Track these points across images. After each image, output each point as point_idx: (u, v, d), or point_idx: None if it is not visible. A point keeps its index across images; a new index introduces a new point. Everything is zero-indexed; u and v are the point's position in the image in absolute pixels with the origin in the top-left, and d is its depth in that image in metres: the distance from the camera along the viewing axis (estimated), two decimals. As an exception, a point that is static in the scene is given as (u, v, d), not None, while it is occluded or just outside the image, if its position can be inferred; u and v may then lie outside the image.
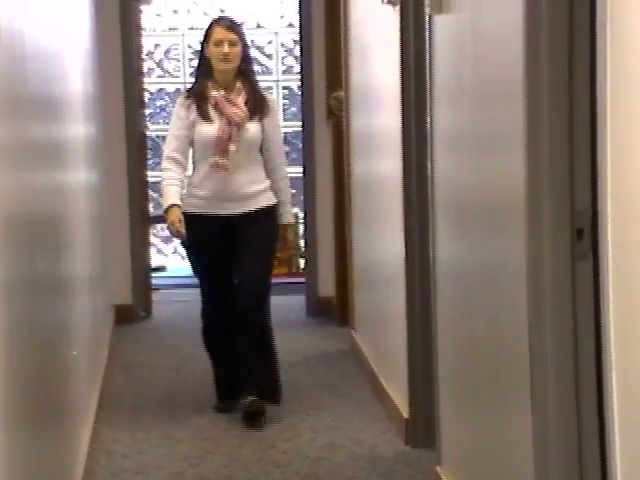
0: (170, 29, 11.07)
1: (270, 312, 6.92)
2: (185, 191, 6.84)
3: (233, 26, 6.54)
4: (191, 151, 7.02)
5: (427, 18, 6.02)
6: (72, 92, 7.00)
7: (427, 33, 6.04)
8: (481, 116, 5.09)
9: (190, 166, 7.13)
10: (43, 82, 5.43)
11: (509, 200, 4.55)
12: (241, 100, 6.58)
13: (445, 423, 5.98)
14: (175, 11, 10.97)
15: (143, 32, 10.62)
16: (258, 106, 6.63)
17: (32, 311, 4.54)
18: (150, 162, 10.61)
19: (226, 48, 6.41)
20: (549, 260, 4.27)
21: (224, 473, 6.09)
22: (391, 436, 7.04)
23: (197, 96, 6.63)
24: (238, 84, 6.58)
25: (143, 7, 10.52)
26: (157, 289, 10.52)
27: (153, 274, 10.70)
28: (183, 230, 6.57)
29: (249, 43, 6.80)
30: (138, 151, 10.48)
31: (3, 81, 3.94)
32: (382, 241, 7.80)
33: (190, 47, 11.06)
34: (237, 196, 6.63)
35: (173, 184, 6.69)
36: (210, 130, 6.56)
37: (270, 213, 6.83)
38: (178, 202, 6.64)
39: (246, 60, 6.64)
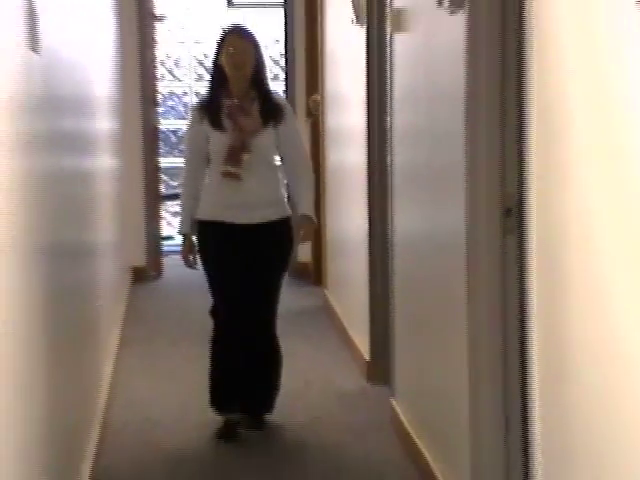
0: (179, 42, 11.01)
1: (276, 327, 5.77)
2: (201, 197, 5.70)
3: (246, 34, 5.57)
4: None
5: (388, 36, 6.00)
6: (98, 93, 6.99)
7: (388, 48, 6.02)
8: (432, 115, 5.10)
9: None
10: (74, 85, 5.44)
11: (452, 184, 4.58)
12: (255, 108, 5.52)
13: (399, 364, 6.00)
14: (182, 27, 10.92)
15: (157, 44, 10.53)
16: (272, 113, 5.55)
17: (67, 270, 4.58)
18: (162, 150, 10.52)
19: (240, 55, 5.44)
20: (483, 233, 4.29)
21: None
22: (355, 375, 7.04)
23: (210, 105, 5.58)
24: (252, 92, 5.54)
25: (157, 24, 10.46)
26: (166, 254, 10.43)
27: (163, 242, 10.62)
28: (194, 264, 5.71)
29: (262, 52, 5.71)
30: (152, 142, 10.39)
31: (43, 85, 3.95)
32: (349, 217, 7.77)
33: (195, 57, 11.03)
34: (250, 205, 5.52)
35: (188, 204, 5.68)
36: (223, 139, 5.47)
37: (284, 226, 5.69)
38: (190, 231, 5.66)
39: (259, 68, 5.58)
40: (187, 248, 5.71)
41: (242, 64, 5.44)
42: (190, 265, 5.73)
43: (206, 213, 5.59)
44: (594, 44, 3.04)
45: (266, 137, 5.53)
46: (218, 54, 5.53)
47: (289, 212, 5.75)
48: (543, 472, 3.61)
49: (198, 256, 5.71)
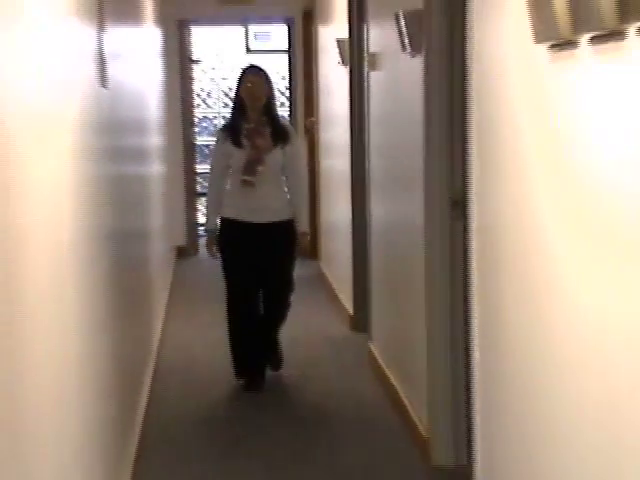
0: (210, 79, 10.98)
1: (289, 308, 5.63)
2: (223, 200, 5.45)
3: (260, 72, 5.37)
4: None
5: (366, 74, 6.00)
6: (151, 117, 7.00)
7: (365, 83, 6.02)
8: (398, 133, 5.09)
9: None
10: (133, 111, 5.45)
11: (414, 184, 4.56)
12: (267, 131, 5.33)
13: (374, 317, 6.01)
14: (213, 68, 10.89)
15: (193, 80, 10.48)
16: (280, 136, 5.35)
17: (128, 248, 4.60)
18: (197, 159, 10.48)
19: (255, 89, 5.28)
20: (437, 219, 4.30)
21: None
22: (342, 325, 7.05)
23: (232, 129, 5.37)
24: (265, 118, 5.33)
25: (194, 65, 10.41)
26: (201, 237, 10.36)
27: (198, 227, 10.42)
28: (215, 253, 5.51)
29: (273, 85, 5.56)
30: (190, 153, 10.32)
31: (110, 110, 3.97)
32: (338, 209, 7.72)
33: (222, 90, 10.99)
34: (262, 206, 5.31)
35: (213, 206, 5.51)
36: (242, 155, 5.29)
37: (290, 225, 5.46)
38: (213, 227, 5.51)
39: (271, 99, 5.40)
40: (211, 241, 5.54)
41: (257, 96, 5.28)
42: (212, 255, 5.54)
43: (229, 213, 5.37)
44: (517, 77, 3.08)
45: (275, 154, 5.33)
46: (239, 87, 5.39)
47: (292, 216, 5.46)
48: (480, 389, 3.61)
49: (219, 246, 5.49)
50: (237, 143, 5.30)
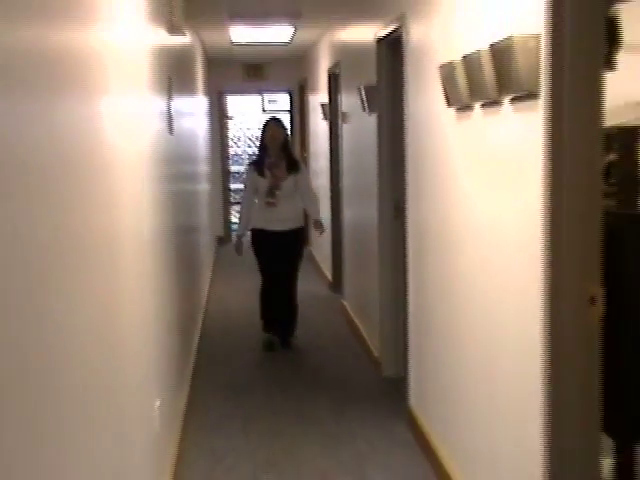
0: (239, 129, 10.91)
1: (297, 288, 5.25)
2: (254, 215, 5.07)
3: (279, 122, 5.03)
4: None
5: (340, 125, 5.99)
6: (201, 153, 6.97)
7: (340, 131, 6.00)
8: (361, 163, 5.06)
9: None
10: (190, 149, 5.43)
11: (371, 195, 4.55)
12: (283, 164, 4.94)
13: (346, 281, 5.97)
14: (240, 122, 10.82)
15: (228, 129, 10.36)
16: (293, 168, 4.96)
17: (186, 237, 4.56)
18: (231, 181, 10.43)
19: (276, 135, 4.94)
20: (384, 219, 4.32)
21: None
22: (324, 288, 7.01)
23: (258, 164, 4.99)
24: (282, 154, 4.95)
25: (228, 120, 10.33)
26: (233, 230, 10.11)
27: (232, 224, 10.16)
28: (241, 253, 5.15)
29: (287, 132, 5.15)
30: (226, 176, 10.21)
31: (175, 148, 3.96)
32: (321, 211, 7.75)
33: (247, 136, 10.92)
34: (282, 220, 4.94)
35: (244, 217, 5.08)
36: (265, 182, 4.92)
37: (301, 231, 5.14)
38: (242, 234, 5.11)
39: (286, 141, 5.03)
40: (238, 244, 5.10)
41: (277, 138, 4.95)
42: (239, 253, 5.14)
43: (258, 224, 5.00)
44: (435, 128, 3.09)
45: (289, 181, 4.94)
46: (264, 133, 5.01)
47: (303, 223, 5.15)
48: (413, 323, 3.62)
49: (251, 248, 5.07)
50: (261, 174, 4.95)
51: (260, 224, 5.02)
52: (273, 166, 4.94)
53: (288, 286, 5.15)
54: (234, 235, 5.24)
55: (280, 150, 4.97)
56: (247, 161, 11.09)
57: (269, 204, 4.93)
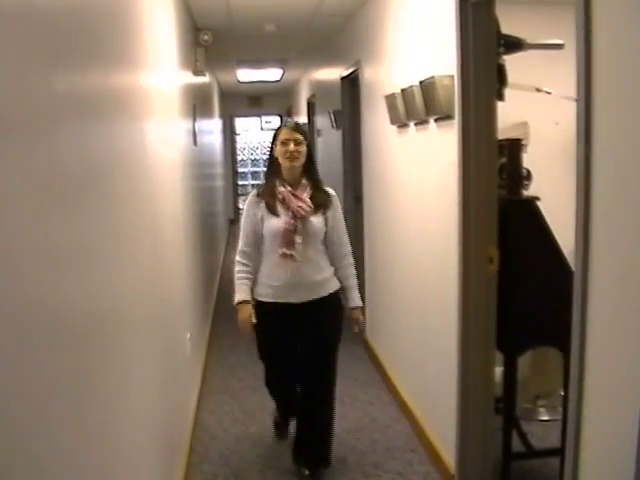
0: (244, 142, 10.76)
1: (335, 394, 2.27)
2: (257, 279, 2.23)
3: (298, 127, 2.18)
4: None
5: (315, 138, 5.82)
6: (217, 159, 6.79)
7: (315, 142, 5.80)
8: (330, 165, 4.80)
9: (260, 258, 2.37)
10: (209, 158, 5.29)
11: (337, 187, 4.19)
12: (306, 195, 2.16)
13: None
14: (245, 139, 10.64)
15: (237, 145, 10.25)
16: (321, 201, 2.18)
17: (207, 220, 4.45)
18: (238, 178, 10.21)
19: (292, 147, 2.13)
20: (348, 206, 4.14)
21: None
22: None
23: (266, 194, 2.19)
24: (304, 181, 2.18)
25: (236, 136, 10.18)
26: (240, 214, 9.91)
27: (239, 209, 9.89)
28: (249, 330, 2.19)
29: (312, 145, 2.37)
30: (235, 175, 9.97)
31: (198, 155, 3.85)
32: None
33: (250, 147, 10.73)
34: (305, 285, 2.15)
35: (243, 279, 2.22)
36: (277, 223, 2.14)
37: (335, 299, 2.20)
38: (247, 298, 2.20)
39: (310, 159, 2.20)
40: (244, 314, 2.20)
41: (294, 154, 2.17)
42: (246, 333, 2.22)
43: (266, 293, 2.21)
44: (382, 141, 3.04)
45: (316, 222, 2.18)
46: (272, 146, 2.23)
47: (338, 286, 2.23)
48: (369, 277, 3.53)
49: (255, 329, 2.24)
50: (271, 210, 2.20)
51: (269, 294, 2.23)
52: (291, 197, 2.19)
53: (321, 392, 2.28)
54: (236, 302, 2.25)
55: (302, 172, 2.22)
56: (248, 162, 10.95)
57: (285, 258, 2.17)
